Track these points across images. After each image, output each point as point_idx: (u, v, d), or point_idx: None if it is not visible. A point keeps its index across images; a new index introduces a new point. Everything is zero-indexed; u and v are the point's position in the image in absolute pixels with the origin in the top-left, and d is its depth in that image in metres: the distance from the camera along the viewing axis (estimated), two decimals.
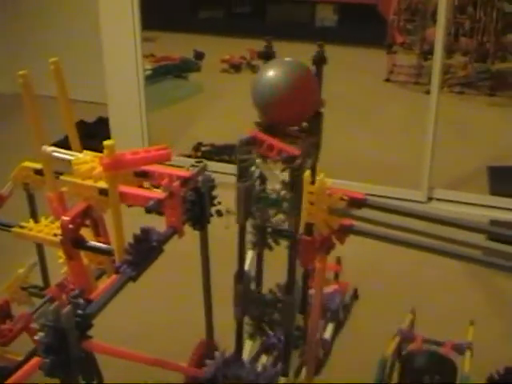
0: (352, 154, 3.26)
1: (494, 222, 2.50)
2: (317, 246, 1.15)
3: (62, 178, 1.18)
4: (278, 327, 1.38)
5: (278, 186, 1.22)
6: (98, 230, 1.23)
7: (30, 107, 1.14)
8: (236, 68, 4.71)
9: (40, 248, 1.50)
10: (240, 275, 1.33)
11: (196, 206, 1.20)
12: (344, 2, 5.30)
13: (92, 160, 1.14)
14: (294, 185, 1.16)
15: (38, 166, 1.28)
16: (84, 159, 1.14)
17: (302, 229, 1.17)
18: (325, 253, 1.17)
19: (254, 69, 4.61)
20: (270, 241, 1.36)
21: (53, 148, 1.18)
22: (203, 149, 3.28)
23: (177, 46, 5.05)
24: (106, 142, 0.97)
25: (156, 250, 1.07)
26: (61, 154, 1.18)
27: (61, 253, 1.16)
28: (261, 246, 1.38)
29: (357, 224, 1.12)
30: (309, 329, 1.32)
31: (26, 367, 0.92)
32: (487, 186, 2.94)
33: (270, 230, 1.34)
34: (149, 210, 1.08)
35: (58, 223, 1.15)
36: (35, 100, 1.13)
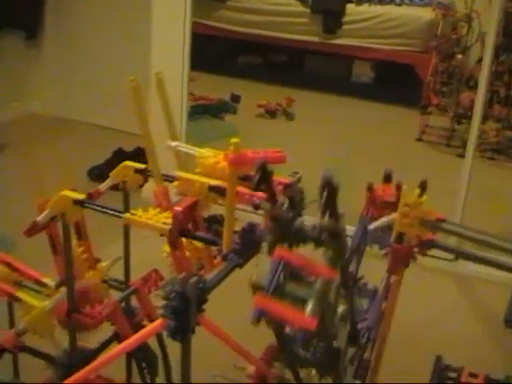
0: None
1: None
2: (404, 255, 1.23)
3: (175, 173, 1.29)
4: None
5: None
6: (197, 225, 1.29)
7: (139, 110, 1.27)
8: (272, 114, 4.77)
9: (127, 243, 1.54)
10: None
11: None
12: (382, 60, 5.33)
13: (214, 156, 1.24)
14: None
15: (139, 165, 1.39)
16: (207, 154, 1.24)
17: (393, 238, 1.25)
18: (405, 265, 1.25)
19: (289, 116, 4.70)
20: None
21: (177, 143, 1.29)
22: None
23: (215, 87, 5.15)
24: (232, 140, 1.08)
25: (258, 243, 1.16)
26: (185, 148, 1.28)
27: (166, 247, 1.24)
28: None
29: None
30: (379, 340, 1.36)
31: (148, 328, 1.02)
32: None
33: None
34: (256, 207, 1.18)
35: (165, 214, 1.22)
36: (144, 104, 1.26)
